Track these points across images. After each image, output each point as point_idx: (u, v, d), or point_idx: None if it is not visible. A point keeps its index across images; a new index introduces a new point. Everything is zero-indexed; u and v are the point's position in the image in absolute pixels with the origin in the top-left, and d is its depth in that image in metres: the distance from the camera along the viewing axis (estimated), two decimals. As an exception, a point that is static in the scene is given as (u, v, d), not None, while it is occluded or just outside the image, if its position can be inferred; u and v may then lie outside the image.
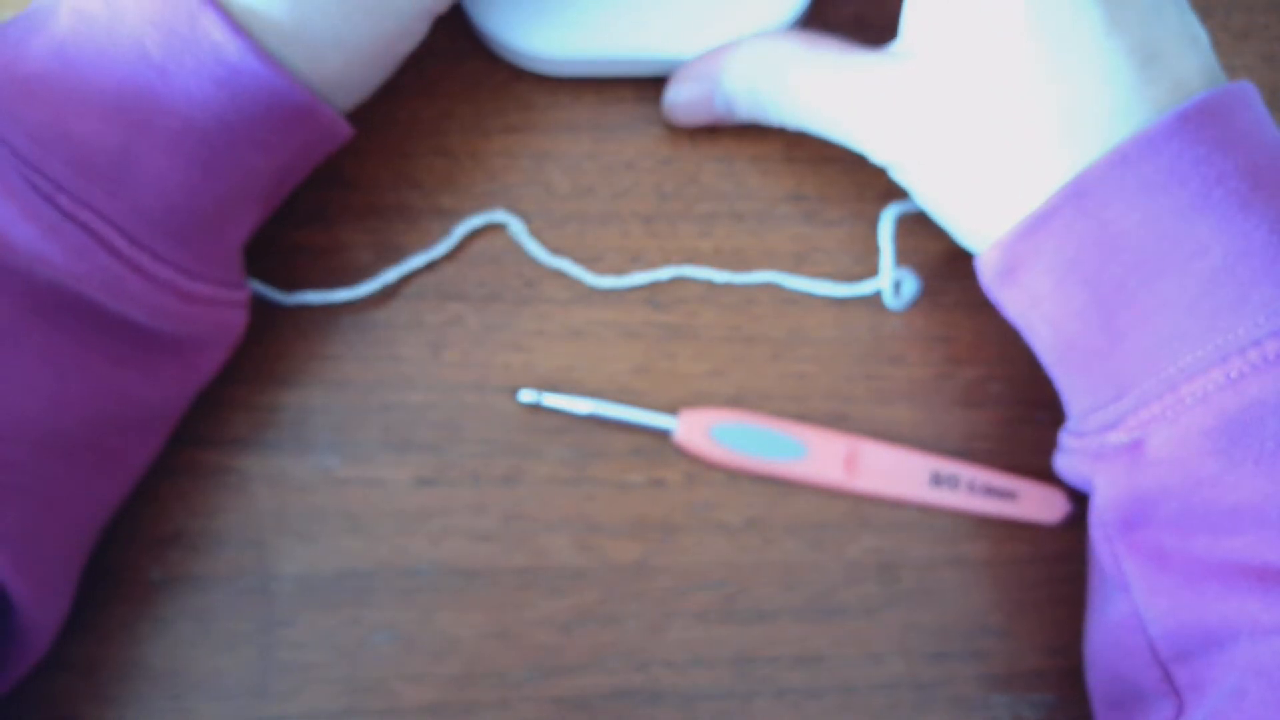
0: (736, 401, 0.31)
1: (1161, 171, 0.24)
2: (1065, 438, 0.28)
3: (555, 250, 0.31)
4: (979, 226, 0.27)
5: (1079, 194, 0.24)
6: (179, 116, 0.24)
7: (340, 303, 0.31)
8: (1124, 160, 0.24)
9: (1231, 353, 0.23)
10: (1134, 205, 0.24)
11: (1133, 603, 0.26)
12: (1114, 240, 0.24)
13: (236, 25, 0.24)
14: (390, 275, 0.30)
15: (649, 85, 0.32)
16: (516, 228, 0.31)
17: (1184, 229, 0.24)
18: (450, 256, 0.31)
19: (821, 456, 0.30)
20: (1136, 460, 0.25)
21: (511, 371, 0.31)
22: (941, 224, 0.28)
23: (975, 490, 0.31)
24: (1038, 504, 0.31)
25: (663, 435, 0.30)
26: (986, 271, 0.27)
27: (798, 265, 0.32)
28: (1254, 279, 0.23)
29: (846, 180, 0.32)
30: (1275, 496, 0.23)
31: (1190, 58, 0.25)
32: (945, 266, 0.32)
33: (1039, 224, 0.25)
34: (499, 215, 0.31)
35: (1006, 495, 0.31)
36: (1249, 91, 0.25)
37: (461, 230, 0.31)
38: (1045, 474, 0.31)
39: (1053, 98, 0.25)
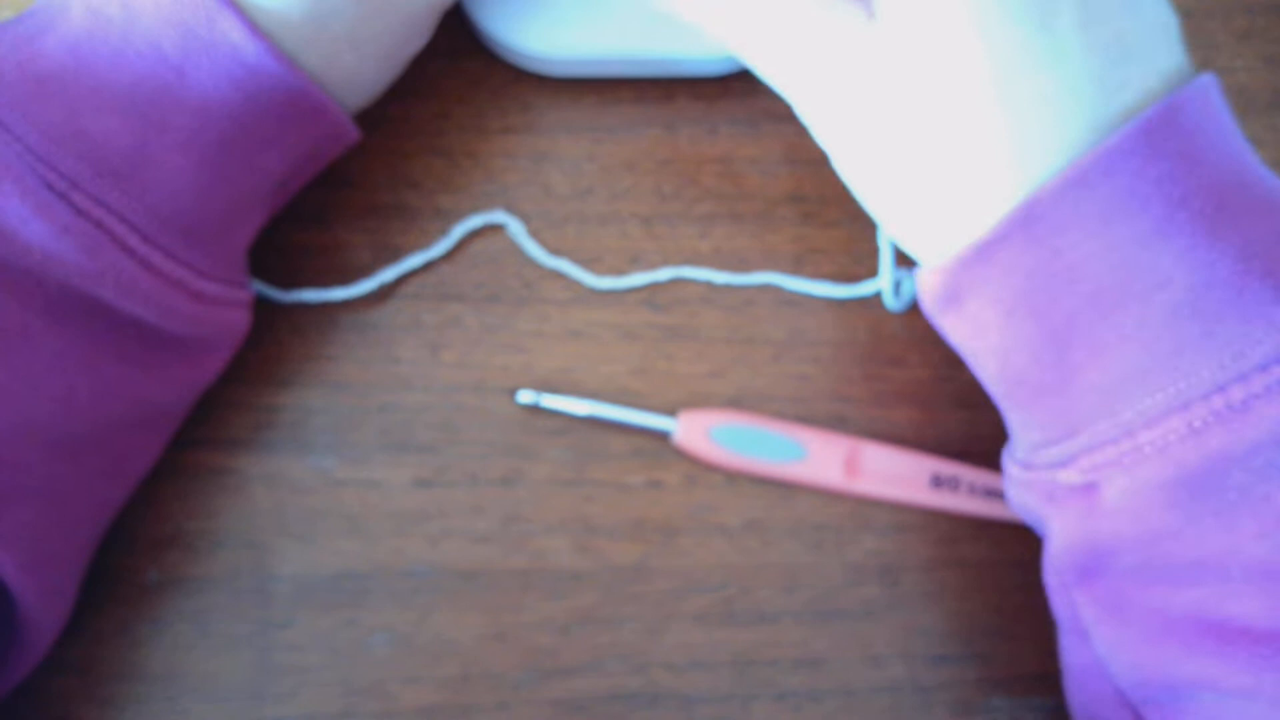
0: (736, 403, 0.31)
1: (1121, 193, 0.21)
2: (1011, 466, 0.27)
3: (554, 251, 0.31)
4: (916, 236, 0.25)
5: (1030, 219, 0.22)
6: (195, 116, 0.24)
7: (337, 301, 0.31)
8: (1081, 180, 0.22)
9: (1194, 399, 0.21)
10: (1091, 232, 0.22)
11: (1095, 650, 0.25)
12: (1068, 270, 0.22)
13: (254, 26, 0.24)
14: (388, 274, 0.30)
15: (649, 85, 0.32)
16: (516, 228, 0.31)
17: (1144, 258, 0.22)
18: (449, 257, 0.31)
19: (821, 458, 0.30)
20: (1092, 509, 0.24)
21: (510, 372, 0.31)
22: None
23: (976, 492, 0.30)
24: (1039, 506, 0.31)
25: (662, 437, 0.30)
26: (926, 296, 0.25)
27: (797, 266, 0.32)
28: (1218, 313, 0.21)
29: (846, 181, 0.32)
30: (1238, 549, 0.21)
31: (1163, 52, 0.23)
32: (946, 267, 0.32)
33: (985, 252, 0.23)
34: (498, 216, 0.31)
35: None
36: (1210, 87, 0.23)
37: (460, 230, 0.31)
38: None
39: (1017, 95, 0.22)
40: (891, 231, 0.26)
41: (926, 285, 0.25)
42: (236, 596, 0.29)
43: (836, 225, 0.32)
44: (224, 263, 0.26)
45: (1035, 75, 0.22)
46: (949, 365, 0.31)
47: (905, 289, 0.31)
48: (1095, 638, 0.25)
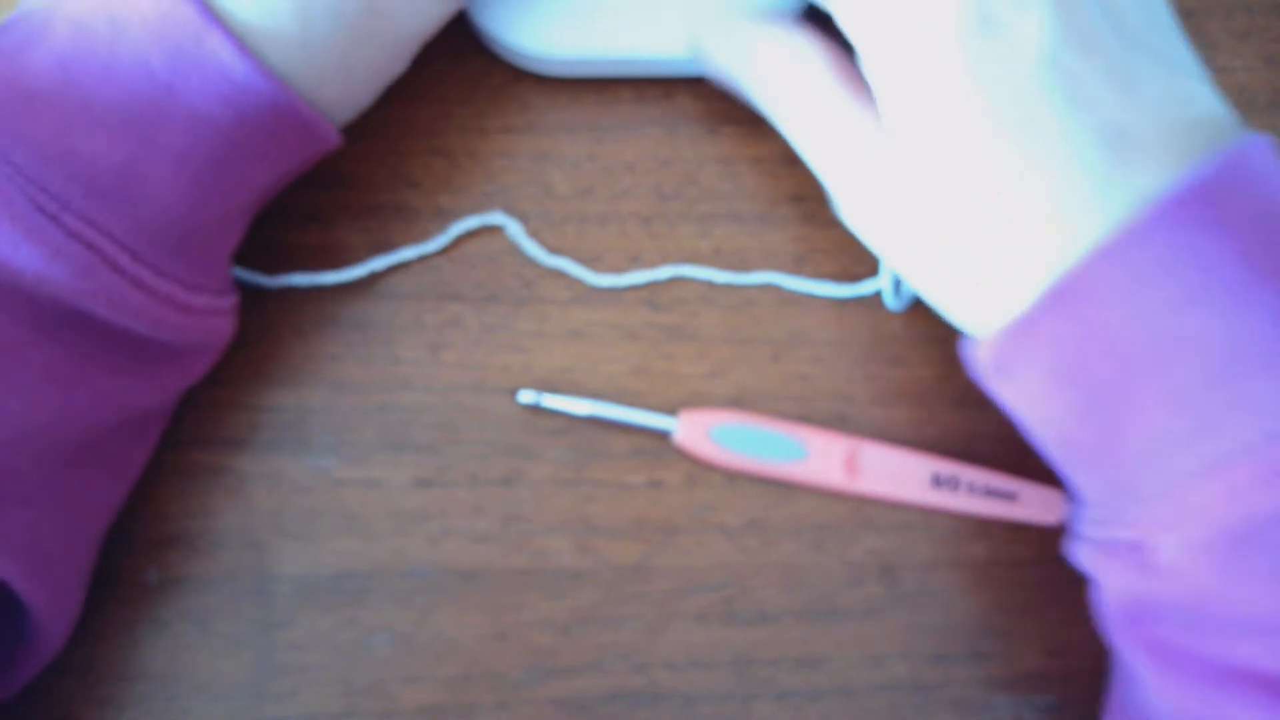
0: (736, 402, 0.31)
1: (1150, 264, 0.22)
2: (1078, 523, 0.27)
3: (554, 251, 0.31)
4: (967, 318, 0.26)
5: (1064, 295, 0.23)
6: (184, 133, 0.24)
7: (327, 286, 0.30)
8: (1109, 256, 0.22)
9: (1230, 462, 0.22)
10: (1121, 304, 0.23)
11: (1144, 693, 0.25)
12: (1104, 340, 0.23)
13: (242, 44, 0.24)
14: (378, 263, 0.30)
15: (649, 85, 0.32)
16: (514, 229, 0.31)
17: (1175, 324, 0.22)
18: (449, 258, 0.31)
19: (822, 457, 0.30)
20: (1141, 565, 0.24)
21: (510, 372, 0.31)
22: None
23: (976, 491, 0.30)
24: (1038, 505, 0.31)
25: (662, 436, 0.30)
26: (980, 368, 0.26)
27: (798, 266, 0.32)
28: (1250, 376, 0.22)
29: (846, 181, 0.32)
30: None
31: (1179, 123, 0.23)
32: (946, 267, 0.32)
33: (1025, 328, 0.24)
34: (496, 217, 0.31)
35: (1007, 497, 0.30)
36: (1259, 150, 0.23)
37: (457, 230, 0.31)
38: (1045, 475, 0.31)
39: (1026, 187, 0.23)
40: (935, 304, 0.27)
41: (978, 359, 0.26)
42: (237, 596, 0.29)
43: (837, 225, 0.32)
44: (211, 274, 0.26)
45: (1052, 158, 0.23)
46: (949, 365, 0.32)
47: (904, 288, 0.31)
48: (1145, 683, 0.25)
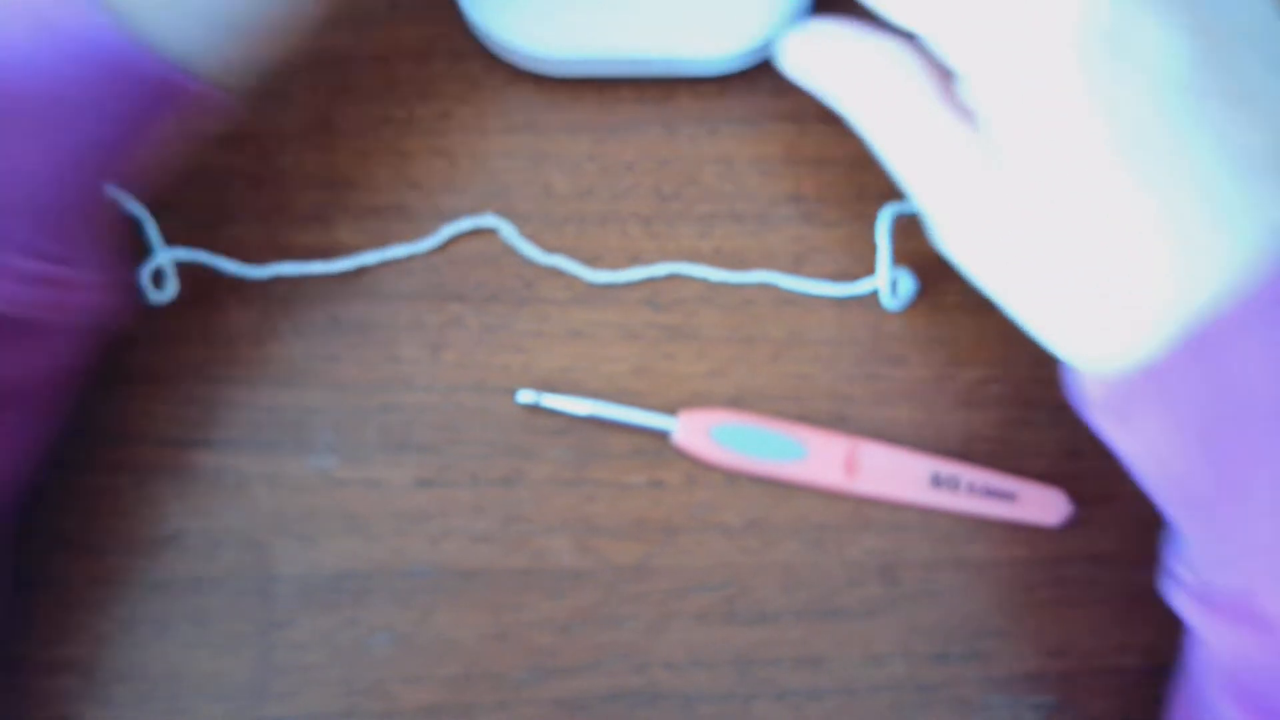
0: (736, 402, 0.31)
1: None
2: (1174, 564, 0.26)
3: (554, 252, 0.31)
4: (1075, 352, 0.24)
5: (1199, 344, 0.21)
6: (30, 98, 0.22)
7: (316, 276, 0.30)
8: (1254, 308, 0.21)
9: None
10: (1261, 354, 0.21)
11: None
12: (1237, 392, 0.22)
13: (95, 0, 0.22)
14: (369, 258, 0.30)
15: (649, 85, 0.32)
16: (507, 231, 0.31)
17: None
18: (450, 258, 0.31)
19: (821, 457, 0.30)
20: (1244, 624, 0.23)
21: (510, 372, 0.31)
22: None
23: (975, 491, 0.30)
24: (1038, 505, 0.31)
25: (662, 436, 0.30)
26: (1089, 405, 0.25)
27: (797, 266, 0.32)
28: None
29: (846, 181, 0.32)
30: None
31: None
32: (946, 268, 0.32)
33: (1154, 373, 0.22)
34: (488, 219, 0.31)
35: (1007, 497, 0.30)
36: None
37: (449, 231, 0.31)
38: (1045, 475, 0.31)
39: (1148, 219, 0.22)
40: (1038, 334, 0.25)
41: (1091, 395, 0.24)
42: (238, 596, 0.29)
43: (836, 225, 0.32)
44: (73, 244, 0.24)
45: (1179, 188, 0.21)
46: (949, 365, 0.32)
47: (901, 287, 0.31)
48: None
